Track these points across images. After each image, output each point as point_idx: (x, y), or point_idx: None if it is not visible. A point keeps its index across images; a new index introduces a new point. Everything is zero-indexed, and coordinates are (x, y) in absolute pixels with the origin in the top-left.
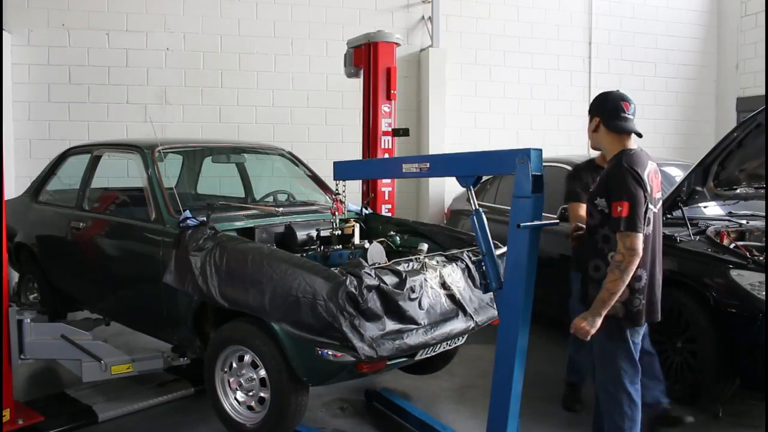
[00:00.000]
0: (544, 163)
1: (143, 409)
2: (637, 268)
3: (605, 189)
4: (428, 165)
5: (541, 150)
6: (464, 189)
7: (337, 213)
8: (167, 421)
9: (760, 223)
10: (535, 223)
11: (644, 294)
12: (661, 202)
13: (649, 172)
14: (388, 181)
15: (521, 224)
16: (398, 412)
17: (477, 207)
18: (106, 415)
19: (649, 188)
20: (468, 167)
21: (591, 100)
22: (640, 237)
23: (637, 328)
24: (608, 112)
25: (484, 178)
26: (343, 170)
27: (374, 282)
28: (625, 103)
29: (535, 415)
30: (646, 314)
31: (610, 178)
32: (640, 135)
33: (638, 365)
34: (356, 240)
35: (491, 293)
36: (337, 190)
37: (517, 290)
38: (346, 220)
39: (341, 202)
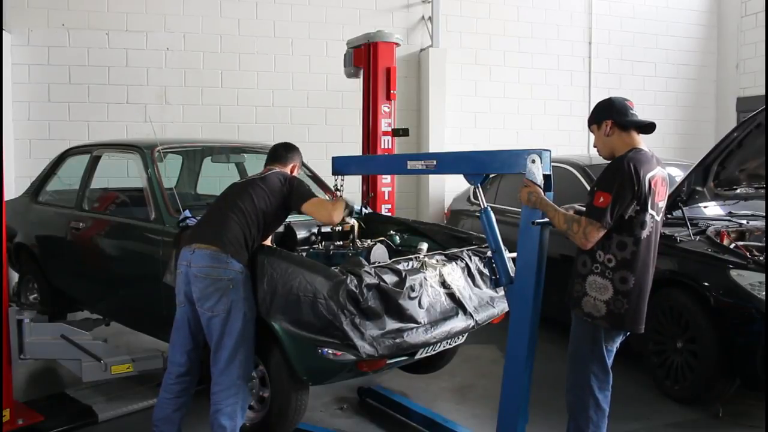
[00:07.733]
0: None
1: (143, 409)
2: (624, 271)
3: (597, 179)
4: (435, 162)
5: (550, 151)
6: (464, 189)
7: None
8: None
9: (760, 223)
10: (547, 219)
11: (629, 299)
12: (663, 211)
13: (655, 177)
14: (388, 180)
15: (535, 221)
16: (395, 407)
17: (486, 205)
18: (106, 415)
19: (648, 191)
20: (477, 165)
21: (591, 101)
22: (602, 232)
23: (614, 333)
24: (618, 112)
25: None
26: (342, 165)
27: (374, 281)
28: (629, 102)
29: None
30: (628, 321)
31: (608, 169)
32: (650, 128)
33: (610, 372)
34: (357, 240)
35: (492, 291)
36: (336, 185)
37: (528, 285)
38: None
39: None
